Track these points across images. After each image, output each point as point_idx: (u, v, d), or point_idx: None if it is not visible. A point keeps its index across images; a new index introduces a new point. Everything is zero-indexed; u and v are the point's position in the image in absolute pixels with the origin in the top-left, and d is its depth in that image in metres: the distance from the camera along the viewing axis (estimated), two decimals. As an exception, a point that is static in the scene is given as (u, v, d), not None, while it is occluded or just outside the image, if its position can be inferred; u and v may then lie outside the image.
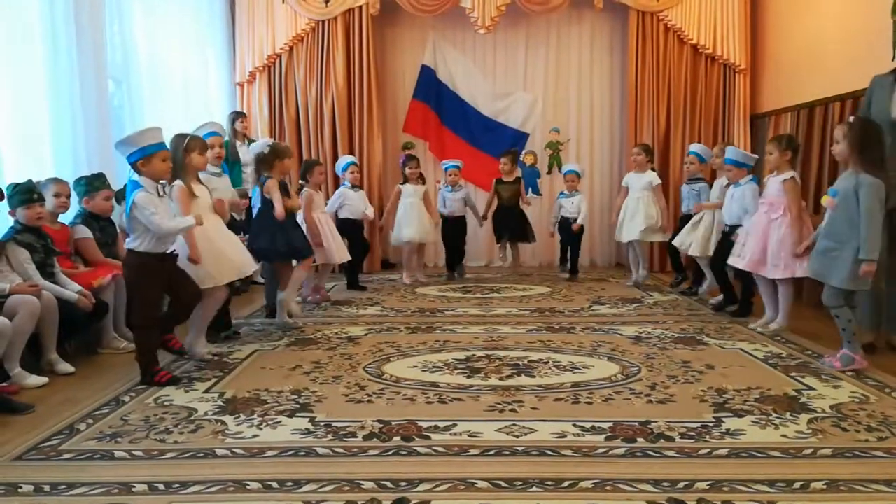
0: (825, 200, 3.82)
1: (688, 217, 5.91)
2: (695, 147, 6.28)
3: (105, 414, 3.13)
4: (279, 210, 4.69)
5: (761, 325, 4.68)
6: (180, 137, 3.97)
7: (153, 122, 4.66)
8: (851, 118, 3.78)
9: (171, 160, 3.81)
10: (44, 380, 3.58)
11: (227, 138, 6.75)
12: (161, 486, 2.38)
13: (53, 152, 4.70)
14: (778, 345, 4.27)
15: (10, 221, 3.95)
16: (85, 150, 4.88)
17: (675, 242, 5.95)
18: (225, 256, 4.05)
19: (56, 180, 4.24)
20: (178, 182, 3.88)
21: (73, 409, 3.17)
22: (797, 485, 2.34)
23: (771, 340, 4.37)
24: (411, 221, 6.60)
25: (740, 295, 5.17)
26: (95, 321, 4.12)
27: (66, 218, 4.38)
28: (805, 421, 2.95)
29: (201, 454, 2.66)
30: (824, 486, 2.34)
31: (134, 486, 2.37)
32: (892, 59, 5.17)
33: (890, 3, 5.15)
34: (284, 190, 4.85)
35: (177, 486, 2.38)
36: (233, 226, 4.56)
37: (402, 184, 6.72)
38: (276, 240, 4.72)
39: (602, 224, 7.72)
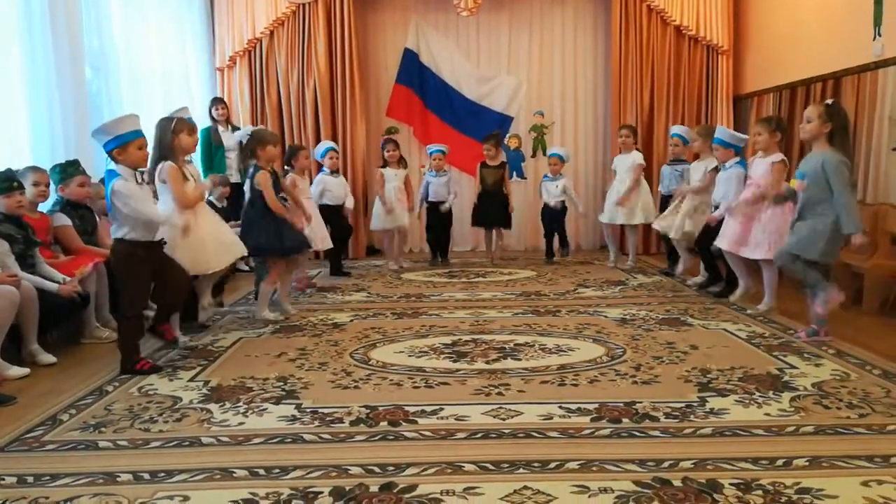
0: (795, 184, 3.89)
1: (667, 197, 5.93)
2: (677, 129, 6.29)
3: (88, 404, 3.10)
4: (271, 204, 4.58)
5: (738, 296, 4.75)
6: (167, 120, 3.92)
7: (132, 109, 4.57)
8: (830, 101, 3.86)
9: (159, 143, 3.77)
10: (25, 371, 3.54)
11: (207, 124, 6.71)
12: (146, 476, 2.36)
13: (31, 140, 4.63)
14: (761, 325, 4.31)
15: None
16: (63, 137, 4.80)
17: (656, 226, 5.97)
18: (209, 245, 4.01)
19: (34, 169, 4.18)
20: (167, 162, 3.83)
21: (56, 400, 3.14)
22: (780, 462, 2.37)
23: (754, 320, 4.41)
24: (389, 208, 6.56)
25: (713, 273, 5.21)
26: (77, 311, 4.07)
27: (44, 207, 4.32)
28: (787, 399, 2.99)
29: (187, 443, 2.65)
30: (807, 463, 2.37)
31: (119, 476, 2.35)
32: (874, 40, 5.20)
33: (871, -16, 5.17)
34: (277, 182, 4.73)
35: (162, 474, 2.36)
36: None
37: (381, 167, 6.67)
38: (266, 236, 4.55)
39: (586, 207, 7.72)
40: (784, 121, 4.85)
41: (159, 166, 3.83)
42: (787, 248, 3.89)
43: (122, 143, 3.45)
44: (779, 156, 4.47)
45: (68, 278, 3.89)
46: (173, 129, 3.88)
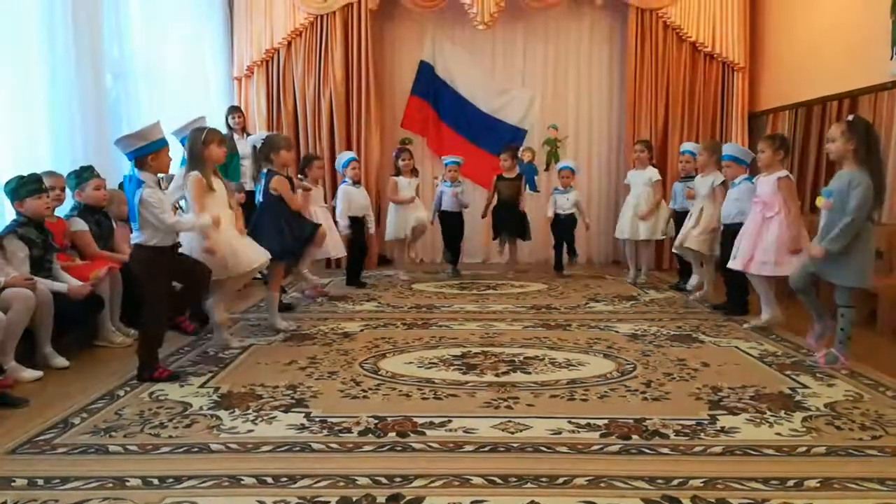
0: (820, 202, 3.80)
1: (680, 214, 5.91)
2: (688, 146, 6.28)
3: (100, 408, 3.12)
4: (294, 205, 4.69)
5: (763, 323, 4.66)
6: (199, 130, 3.97)
7: (151, 117, 4.62)
8: (851, 117, 3.77)
9: (190, 153, 3.82)
10: (38, 373, 3.57)
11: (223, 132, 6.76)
12: (155, 481, 2.37)
13: (51, 146, 4.69)
14: (773, 343, 4.28)
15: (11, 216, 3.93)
16: (83, 144, 4.87)
17: (676, 250, 5.85)
18: (238, 250, 4.05)
19: (49, 173, 4.21)
20: (194, 173, 3.87)
21: (68, 403, 3.17)
22: (791, 482, 2.35)
23: (766, 339, 4.38)
24: (400, 216, 6.59)
25: (732, 293, 5.14)
26: (91, 315, 4.11)
27: (61, 212, 4.37)
28: (799, 419, 2.96)
29: (196, 449, 2.66)
30: (818, 484, 2.34)
31: (128, 481, 2.37)
32: (891, 58, 5.18)
33: (888, 3, 5.16)
34: (291, 187, 4.75)
35: (171, 480, 2.37)
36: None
37: (394, 175, 6.70)
38: (279, 238, 4.57)
39: (599, 221, 7.70)
40: (788, 140, 4.78)
41: (185, 176, 3.87)
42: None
43: (157, 149, 3.54)
44: (783, 171, 4.42)
45: (81, 283, 3.93)
46: (204, 139, 3.93)
